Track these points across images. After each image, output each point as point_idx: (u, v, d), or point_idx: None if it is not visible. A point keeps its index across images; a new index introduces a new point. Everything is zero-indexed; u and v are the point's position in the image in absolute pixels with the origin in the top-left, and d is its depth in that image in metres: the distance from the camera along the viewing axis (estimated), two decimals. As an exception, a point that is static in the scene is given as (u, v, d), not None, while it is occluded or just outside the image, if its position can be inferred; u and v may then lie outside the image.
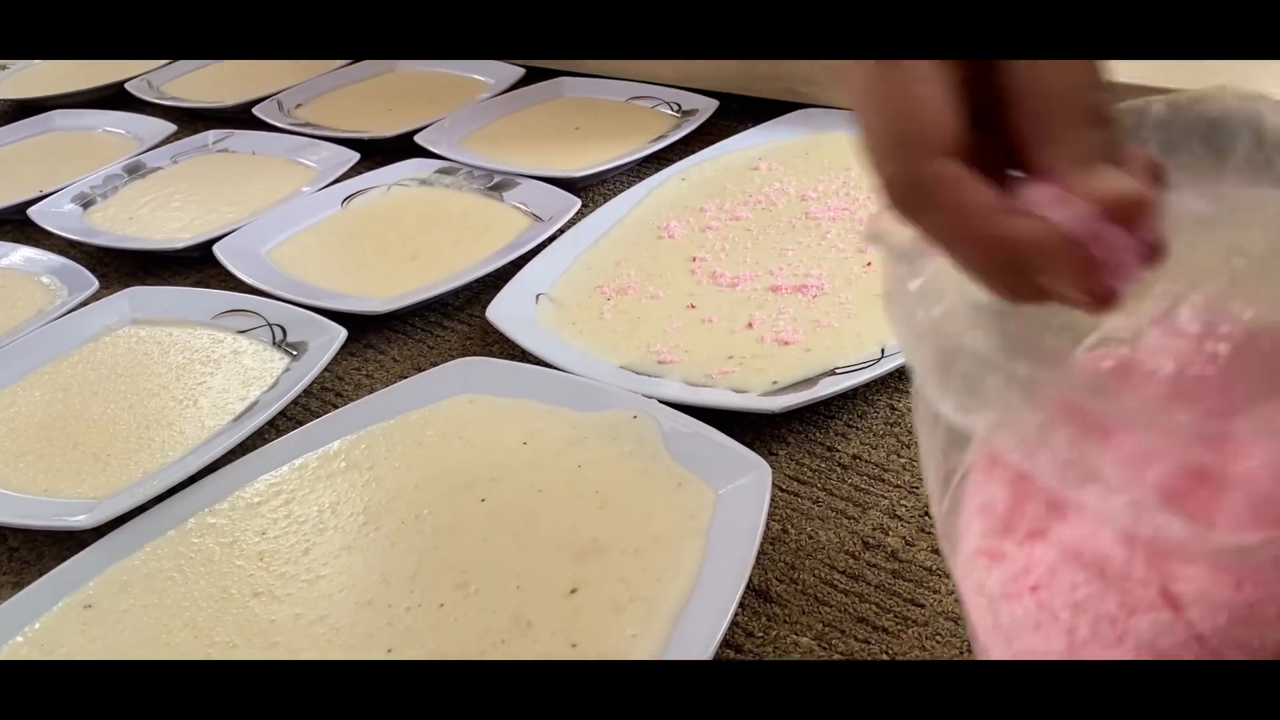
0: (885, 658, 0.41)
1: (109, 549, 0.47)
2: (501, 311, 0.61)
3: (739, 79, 0.88)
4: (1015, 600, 0.20)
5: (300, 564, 0.45)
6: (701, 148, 0.80)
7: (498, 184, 0.78)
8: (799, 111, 0.84)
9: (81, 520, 0.48)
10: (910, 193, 0.22)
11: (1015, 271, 0.20)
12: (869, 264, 0.63)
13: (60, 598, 0.45)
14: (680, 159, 0.79)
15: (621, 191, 0.75)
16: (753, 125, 0.83)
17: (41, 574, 0.46)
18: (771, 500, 0.45)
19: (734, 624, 0.43)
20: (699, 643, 0.39)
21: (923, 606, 0.43)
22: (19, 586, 0.46)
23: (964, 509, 0.21)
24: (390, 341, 0.64)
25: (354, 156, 0.84)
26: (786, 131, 0.82)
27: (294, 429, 0.54)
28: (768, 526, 0.45)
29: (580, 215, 0.72)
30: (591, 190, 0.78)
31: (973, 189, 0.21)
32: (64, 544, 0.49)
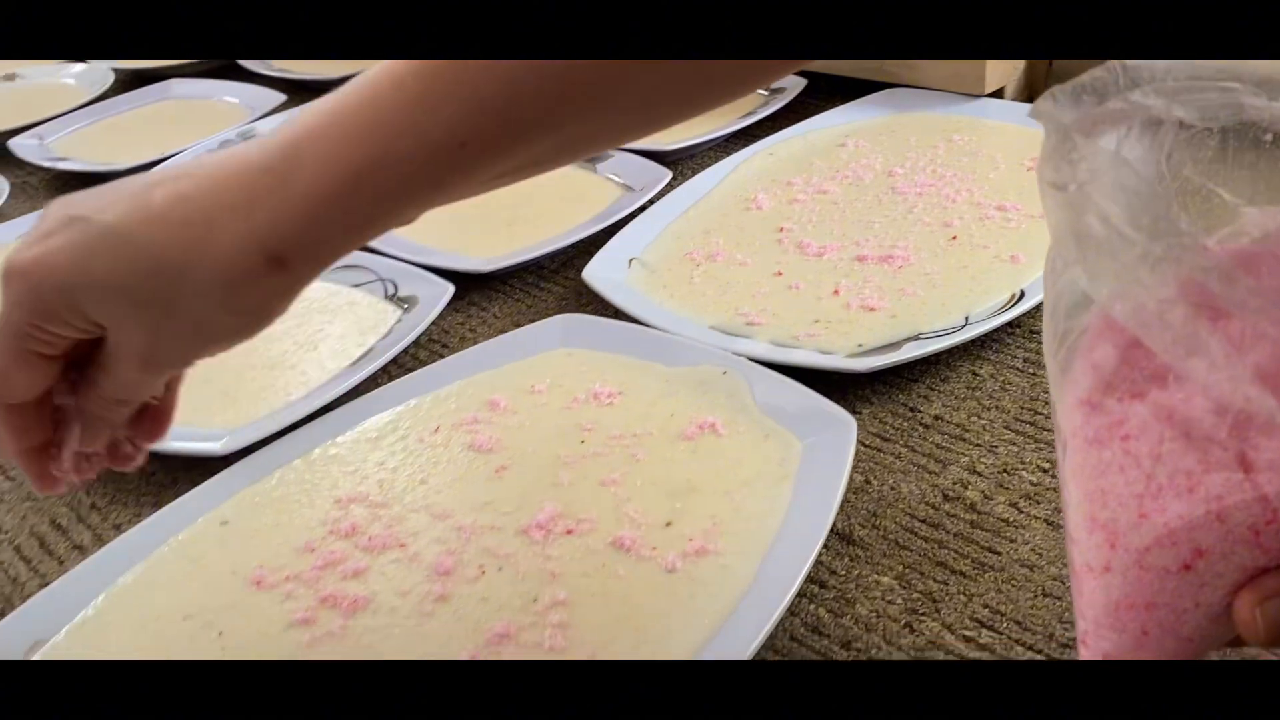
0: (963, 599, 0.43)
1: (242, 474, 0.51)
2: (596, 273, 0.64)
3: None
4: (1105, 445, 0.22)
5: (417, 492, 0.49)
6: (789, 125, 0.82)
7: (591, 156, 0.81)
8: (886, 91, 0.86)
9: (218, 446, 0.52)
10: None
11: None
12: (954, 238, 0.65)
13: (201, 514, 0.49)
14: (768, 135, 0.81)
15: (710, 165, 0.78)
16: (840, 104, 0.85)
17: (176, 496, 0.51)
18: (855, 454, 0.48)
19: (818, 562, 0.45)
20: (786, 577, 0.42)
21: (999, 554, 0.45)
22: (158, 506, 0.51)
23: (1074, 365, 0.23)
24: (491, 299, 0.68)
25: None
26: (873, 110, 0.84)
27: (404, 375, 0.58)
28: (851, 478, 0.48)
29: (670, 187, 0.75)
30: (681, 164, 0.81)
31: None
32: (196, 471, 0.53)
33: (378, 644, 0.42)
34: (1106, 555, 0.23)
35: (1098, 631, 0.24)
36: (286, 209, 0.32)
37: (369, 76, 0.33)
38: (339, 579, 0.45)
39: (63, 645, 0.43)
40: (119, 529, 0.51)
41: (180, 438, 0.55)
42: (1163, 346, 0.20)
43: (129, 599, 0.45)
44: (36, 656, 0.43)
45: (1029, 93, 0.86)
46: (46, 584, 0.47)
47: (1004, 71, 0.83)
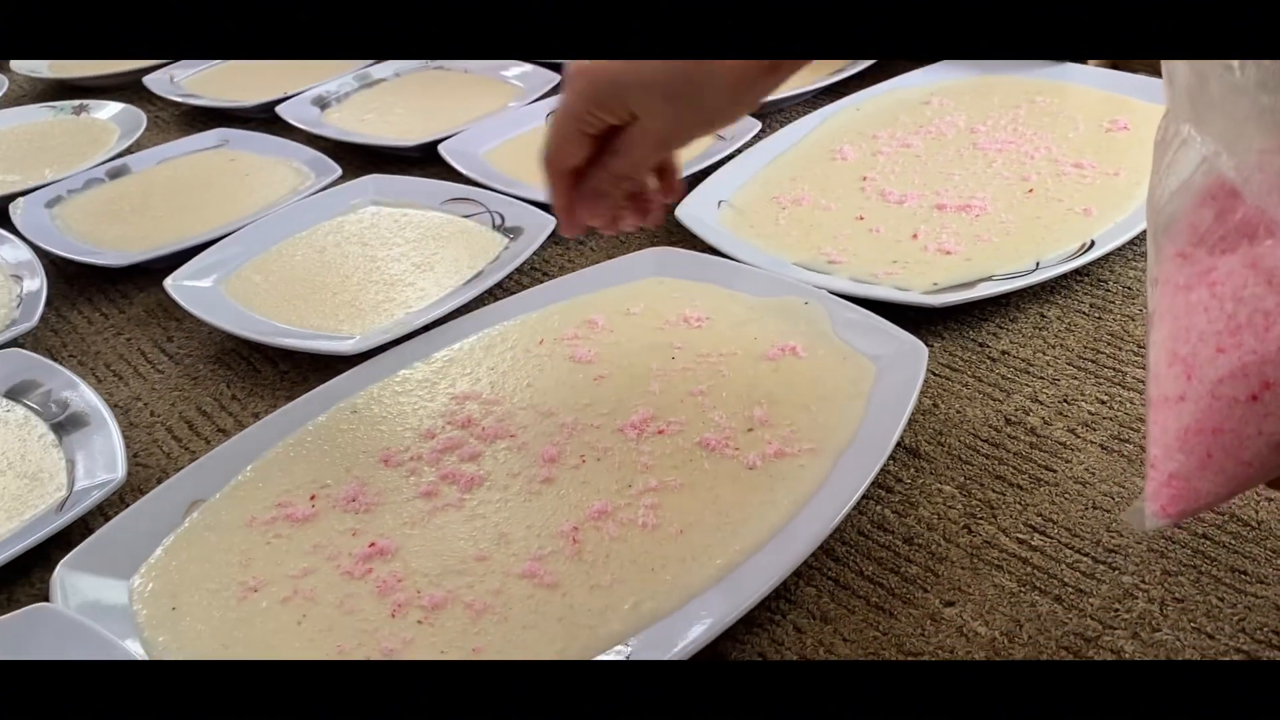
0: (1018, 508, 0.47)
1: (368, 372, 0.57)
2: (688, 212, 0.69)
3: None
4: (1194, 289, 0.25)
5: (524, 393, 0.55)
6: (876, 83, 0.86)
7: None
8: (972, 54, 0.88)
9: (349, 346, 0.58)
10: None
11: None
12: (1030, 190, 0.68)
13: (333, 403, 0.55)
14: (855, 91, 0.85)
15: (799, 118, 0.82)
16: (926, 64, 0.88)
17: (306, 391, 0.57)
18: (925, 380, 0.52)
19: (885, 471, 0.50)
20: (855, 479, 0.47)
21: (1054, 471, 0.49)
22: (291, 399, 0.57)
23: (1176, 224, 0.26)
24: (586, 235, 0.73)
25: (555, 77, 0.93)
26: (959, 71, 0.87)
27: (508, 296, 0.64)
28: (920, 401, 0.52)
29: (760, 136, 0.79)
30: (770, 116, 0.85)
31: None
32: (326, 371, 0.60)
33: (491, 515, 0.47)
34: (1182, 386, 0.26)
35: (1167, 454, 0.27)
36: None
37: None
38: (457, 460, 0.51)
39: (217, 503, 0.50)
40: (257, 416, 0.58)
41: (314, 339, 0.61)
42: (1259, 195, 0.23)
43: (273, 469, 0.51)
44: (195, 514, 0.49)
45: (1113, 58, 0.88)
46: (196, 459, 0.53)
47: (1090, 37, 0.85)
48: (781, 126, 0.81)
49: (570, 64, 0.43)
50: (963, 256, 0.62)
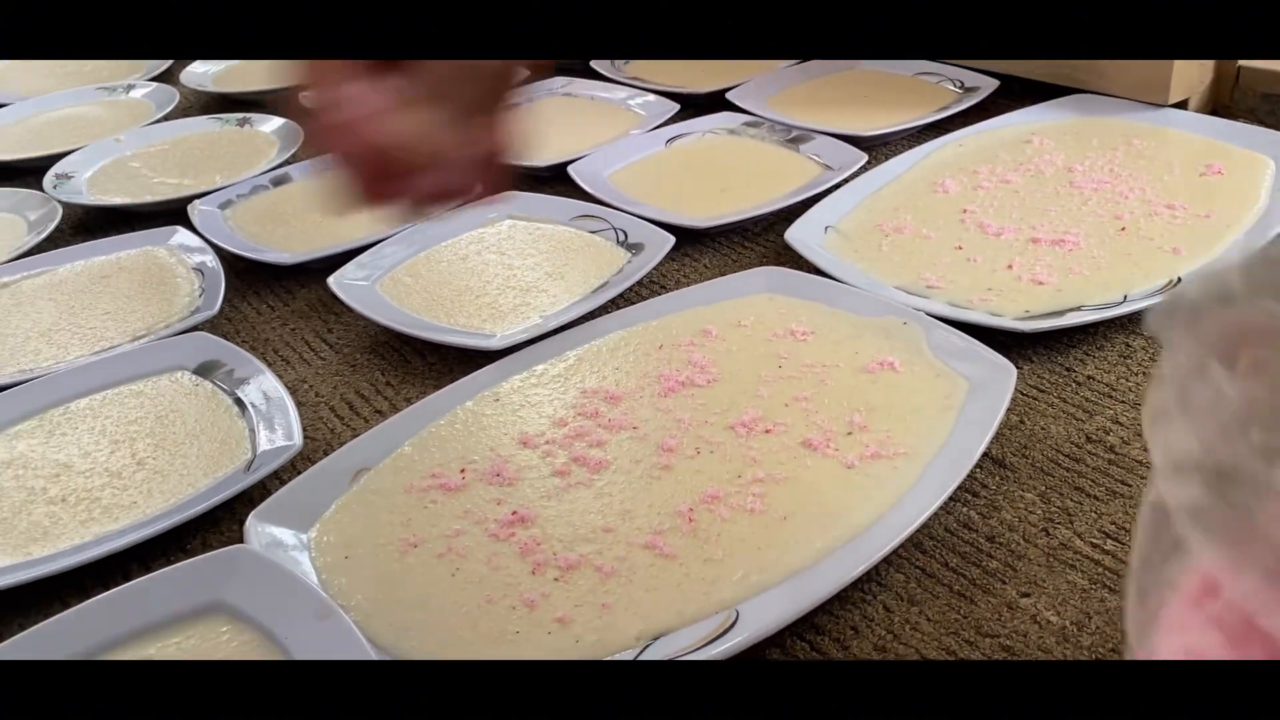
0: (1094, 515, 0.52)
1: (508, 366, 0.64)
2: (797, 236, 0.75)
3: (1022, 62, 0.97)
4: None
5: (645, 391, 0.61)
6: (979, 120, 0.91)
7: (795, 138, 0.92)
8: (1075, 95, 0.93)
9: (493, 342, 0.66)
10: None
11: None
12: (1123, 229, 0.73)
13: (478, 391, 0.63)
14: (958, 128, 0.90)
15: (903, 152, 0.87)
16: (1028, 105, 0.92)
17: (451, 381, 0.64)
18: (1013, 399, 0.57)
19: (972, 477, 0.55)
20: (944, 481, 0.52)
21: (1129, 486, 0.53)
22: (437, 388, 0.65)
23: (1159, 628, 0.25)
24: (702, 253, 0.80)
25: (675, 107, 1.00)
26: (1061, 113, 0.91)
27: (629, 306, 0.70)
28: (1007, 416, 0.57)
29: (865, 168, 0.85)
30: (876, 149, 0.91)
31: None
32: (466, 364, 0.67)
33: (616, 494, 0.54)
34: None
35: None
36: None
37: None
38: (585, 445, 0.58)
39: (380, 472, 0.57)
40: (409, 401, 0.65)
41: (460, 337, 0.69)
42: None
43: (429, 445, 0.59)
44: (361, 481, 0.57)
45: (1213, 104, 0.91)
46: (357, 435, 0.61)
47: (1189, 83, 0.88)
48: (886, 160, 0.87)
49: None
50: (1054, 287, 0.67)
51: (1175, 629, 0.25)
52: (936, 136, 0.89)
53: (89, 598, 0.49)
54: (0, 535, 0.55)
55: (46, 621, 0.48)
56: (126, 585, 0.49)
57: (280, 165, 0.97)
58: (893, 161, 0.86)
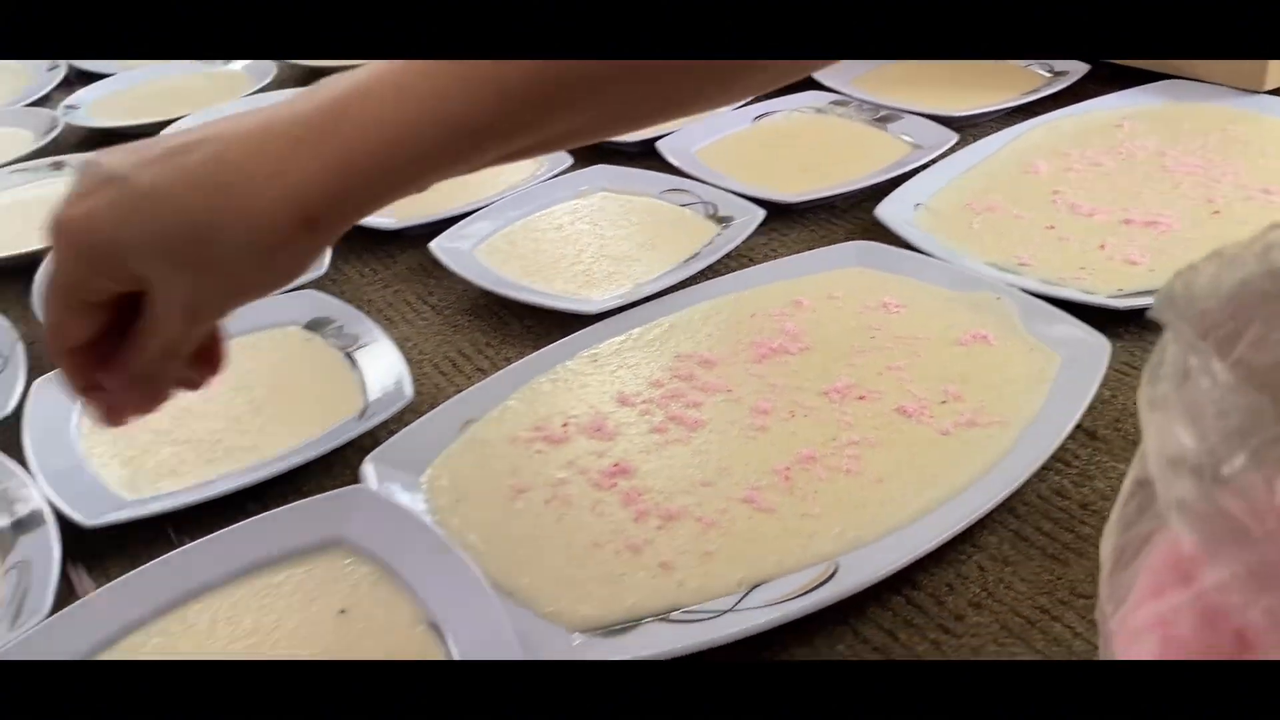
0: (1187, 488, 0.52)
1: (604, 330, 0.66)
2: (887, 211, 0.76)
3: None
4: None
5: (739, 357, 0.63)
6: (1069, 104, 0.91)
7: (883, 117, 0.92)
8: (1166, 81, 0.92)
9: (591, 307, 0.68)
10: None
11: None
12: (1216, 212, 0.73)
13: (577, 352, 0.65)
14: (1049, 111, 0.90)
15: (993, 133, 0.88)
16: (1120, 89, 0.92)
17: (548, 344, 0.67)
18: (1105, 374, 0.58)
19: (1064, 447, 0.55)
20: (1038, 450, 0.53)
21: (1225, 461, 0.54)
22: (535, 349, 0.67)
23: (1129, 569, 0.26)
24: (790, 228, 0.81)
25: (761, 85, 1.01)
26: (1152, 98, 0.91)
27: (718, 277, 0.72)
28: (1099, 391, 0.58)
29: (954, 149, 0.85)
30: (966, 130, 0.91)
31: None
32: (562, 327, 0.69)
33: (713, 451, 0.56)
34: None
35: None
36: (319, 171, 0.34)
37: (393, 65, 0.36)
38: (682, 406, 0.59)
39: (487, 423, 0.60)
40: (508, 361, 0.68)
41: (559, 301, 0.71)
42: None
43: (534, 398, 0.61)
44: (468, 431, 0.59)
45: (1312, 92, 0.90)
46: (460, 391, 0.64)
47: (1288, 69, 0.88)
48: (974, 140, 0.87)
49: (55, 218, 0.36)
50: (1147, 268, 0.67)
51: (1150, 596, 0.25)
52: (1026, 119, 0.89)
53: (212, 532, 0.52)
54: (131, 473, 0.59)
55: (178, 550, 0.51)
56: (253, 519, 0.52)
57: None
58: (983, 142, 0.86)
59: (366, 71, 0.36)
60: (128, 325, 0.38)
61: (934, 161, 0.83)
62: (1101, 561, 0.28)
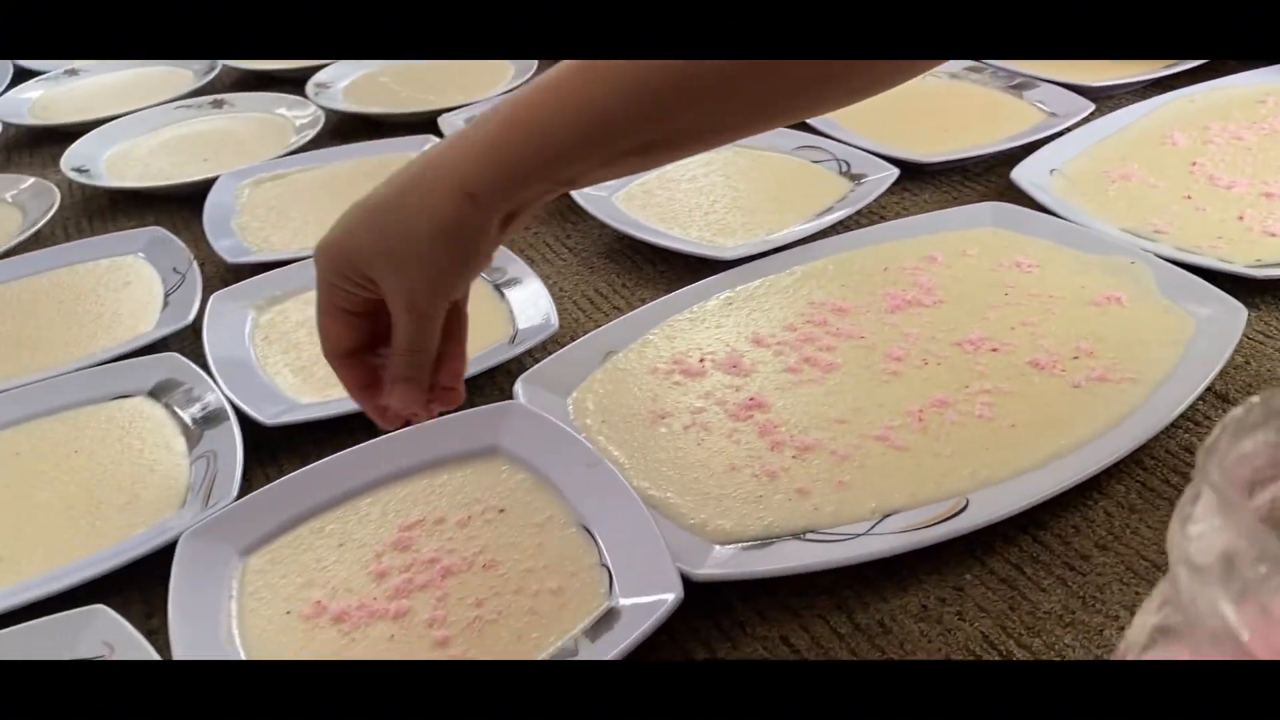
0: (1321, 453, 0.53)
1: (740, 275, 0.69)
2: (1022, 175, 0.77)
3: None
4: None
5: (872, 308, 0.65)
6: (1208, 79, 0.90)
7: (1019, 84, 0.93)
8: (1317, 58, 0.90)
9: (726, 253, 0.71)
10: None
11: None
12: (1365, 189, 0.72)
13: (712, 295, 0.68)
14: (1187, 85, 0.89)
15: (1129, 105, 0.87)
16: (1263, 66, 0.91)
17: (681, 288, 0.69)
18: (1240, 340, 0.58)
19: (1195, 408, 0.56)
20: (1168, 407, 0.54)
21: (1362, 429, 0.54)
22: (667, 292, 0.70)
23: None
24: (922, 188, 0.82)
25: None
26: (1300, 74, 0.89)
27: (848, 232, 0.74)
28: (1233, 357, 0.58)
29: (1090, 118, 0.85)
30: (1102, 101, 0.91)
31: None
32: (693, 273, 0.72)
33: (847, 392, 0.58)
34: None
35: None
36: (476, 148, 0.40)
37: (557, 69, 0.40)
38: (815, 349, 0.62)
39: (628, 355, 0.63)
40: (643, 301, 0.71)
41: (694, 247, 0.74)
42: None
43: (673, 333, 0.64)
44: (609, 361, 0.63)
45: None
46: (599, 325, 0.67)
47: None
48: (1111, 111, 0.87)
49: (318, 242, 0.42)
50: (1289, 240, 0.67)
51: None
52: (1163, 92, 0.89)
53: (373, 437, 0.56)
54: (301, 380, 0.64)
55: (351, 449, 0.56)
56: (419, 425, 0.57)
57: (517, 86, 1.04)
58: (1120, 112, 0.86)
59: (540, 78, 0.40)
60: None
61: (1070, 129, 0.83)
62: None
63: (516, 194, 0.40)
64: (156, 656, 0.45)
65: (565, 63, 0.40)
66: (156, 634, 0.47)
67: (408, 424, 0.48)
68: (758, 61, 0.38)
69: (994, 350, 0.60)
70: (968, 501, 0.50)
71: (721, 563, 0.48)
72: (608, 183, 0.83)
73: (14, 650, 0.46)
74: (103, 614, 0.47)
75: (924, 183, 0.83)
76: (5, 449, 0.60)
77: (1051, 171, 0.78)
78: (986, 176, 0.83)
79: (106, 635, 0.46)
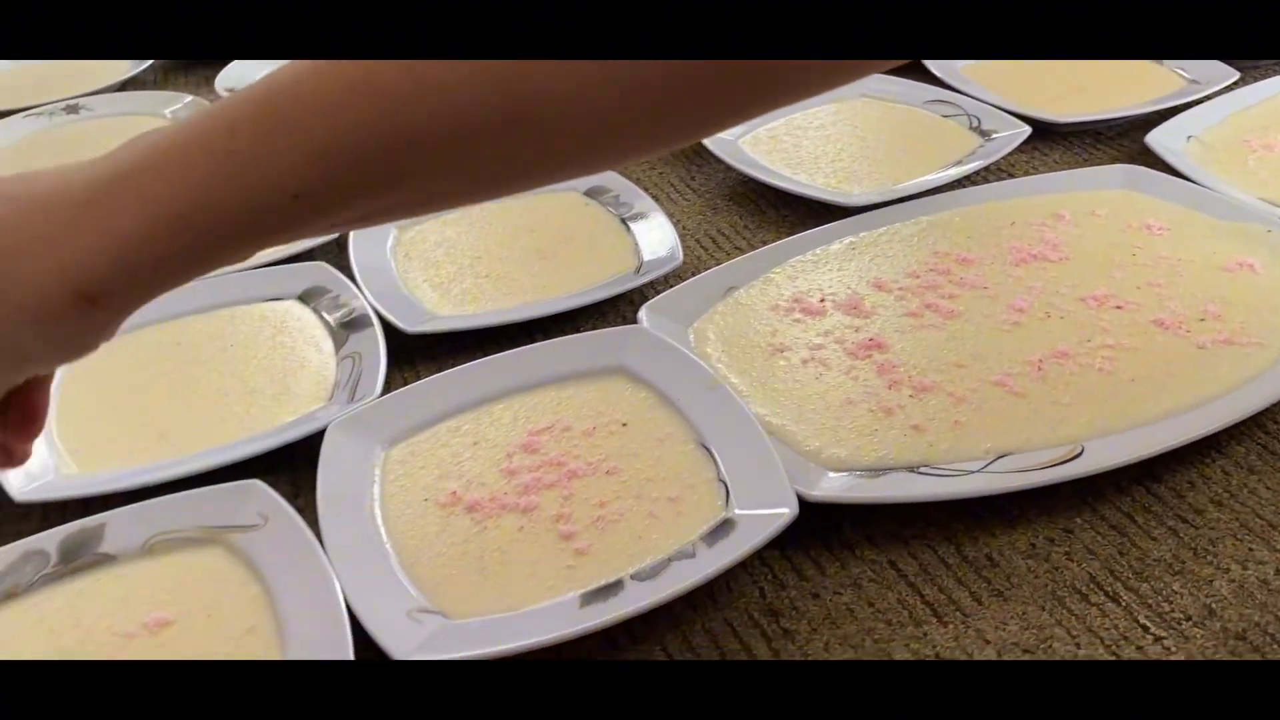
0: None
1: (862, 223, 0.70)
2: (1158, 140, 0.76)
3: None
4: None
5: (1000, 259, 0.66)
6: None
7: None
8: None
9: (852, 200, 0.72)
10: None
11: None
12: None
13: (833, 239, 0.69)
14: (1344, 58, 0.86)
15: (1273, 76, 0.85)
16: None
17: (802, 232, 0.71)
18: (1378, 315, 0.57)
19: (1325, 378, 0.56)
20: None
21: None
22: (790, 235, 0.71)
23: None
24: (1052, 148, 0.82)
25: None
26: None
27: (974, 186, 0.74)
28: (1369, 331, 0.57)
29: (1233, 87, 0.83)
30: (1247, 71, 0.88)
31: None
32: (817, 219, 0.73)
33: (967, 338, 0.59)
34: None
35: None
36: (99, 247, 0.31)
37: (209, 112, 0.32)
38: (936, 296, 0.63)
39: (749, 291, 0.65)
40: (764, 243, 0.72)
41: (819, 192, 0.75)
42: None
43: (794, 273, 0.66)
44: (730, 298, 0.65)
45: None
46: (719, 263, 0.69)
47: None
48: (1254, 81, 0.85)
49: None
50: None
51: None
52: (1316, 64, 0.86)
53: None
54: (440, 295, 0.68)
55: (486, 358, 0.59)
56: (550, 341, 0.60)
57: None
58: (1265, 82, 0.84)
59: (174, 130, 0.32)
60: None
61: (1210, 97, 0.81)
62: None
63: (163, 287, 0.33)
64: (306, 529, 0.49)
65: (192, 121, 0.32)
66: (303, 513, 0.51)
67: None
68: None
69: (1118, 308, 0.60)
70: (1083, 448, 0.51)
71: (835, 487, 0.50)
72: (734, 127, 0.84)
73: (179, 517, 0.51)
74: (258, 488, 0.51)
75: (1054, 143, 0.82)
76: (167, 339, 0.65)
77: (1189, 138, 0.77)
78: (1119, 141, 0.82)
79: (261, 507, 0.50)
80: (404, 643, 0.42)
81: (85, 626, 0.46)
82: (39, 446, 0.56)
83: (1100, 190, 0.72)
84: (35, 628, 0.47)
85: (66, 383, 0.61)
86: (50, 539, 0.50)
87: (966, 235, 0.68)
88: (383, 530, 0.49)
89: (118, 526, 0.50)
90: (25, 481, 0.54)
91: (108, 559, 0.49)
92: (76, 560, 0.49)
